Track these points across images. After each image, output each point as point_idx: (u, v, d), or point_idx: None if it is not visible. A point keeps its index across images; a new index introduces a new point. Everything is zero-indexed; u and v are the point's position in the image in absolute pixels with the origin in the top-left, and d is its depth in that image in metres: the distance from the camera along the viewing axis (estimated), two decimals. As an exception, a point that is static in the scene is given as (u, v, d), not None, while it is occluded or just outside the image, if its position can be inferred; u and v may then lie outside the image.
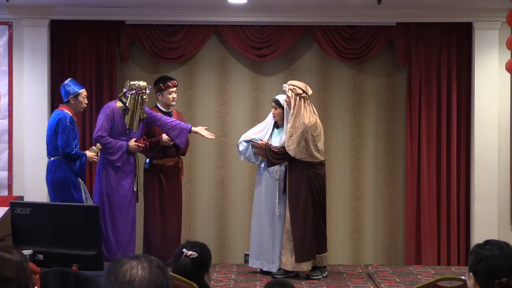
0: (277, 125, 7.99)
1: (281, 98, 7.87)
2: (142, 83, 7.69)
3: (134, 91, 7.63)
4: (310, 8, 8.53)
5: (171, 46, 8.73)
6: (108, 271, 2.16)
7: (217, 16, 8.61)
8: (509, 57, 8.22)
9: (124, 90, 7.70)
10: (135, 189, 7.86)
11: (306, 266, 7.77)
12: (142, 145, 7.83)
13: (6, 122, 8.47)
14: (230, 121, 8.86)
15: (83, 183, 7.40)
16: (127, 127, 7.71)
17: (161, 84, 8.11)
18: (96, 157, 7.56)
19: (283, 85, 7.86)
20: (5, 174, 8.46)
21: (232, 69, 8.91)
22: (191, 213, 8.86)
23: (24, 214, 5.11)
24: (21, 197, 8.06)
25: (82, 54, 8.64)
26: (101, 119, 7.67)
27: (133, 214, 7.84)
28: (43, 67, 8.41)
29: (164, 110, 8.18)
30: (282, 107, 7.85)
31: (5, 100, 8.47)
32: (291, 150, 7.67)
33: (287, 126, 7.73)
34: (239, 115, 8.89)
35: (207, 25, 8.71)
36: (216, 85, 8.90)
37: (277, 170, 7.85)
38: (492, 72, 8.50)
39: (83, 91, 7.45)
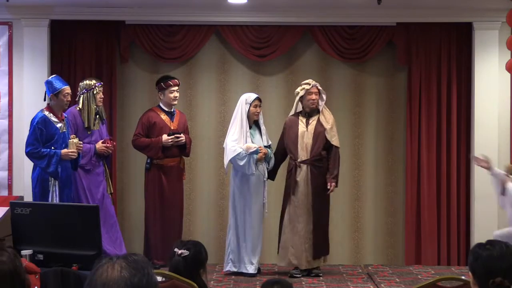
0: (249, 124, 7.94)
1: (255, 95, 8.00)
2: (90, 81, 7.73)
3: (84, 91, 7.67)
4: (310, 8, 8.53)
5: (171, 46, 8.73)
6: (88, 277, 2.19)
7: (217, 16, 8.61)
8: (509, 57, 8.22)
9: (78, 94, 7.71)
10: (108, 192, 7.83)
11: (318, 263, 7.90)
12: (110, 145, 7.81)
13: (6, 122, 8.47)
14: (230, 121, 8.84)
15: (56, 184, 7.21)
16: (85, 126, 7.68)
17: (162, 83, 8.12)
18: (73, 154, 7.24)
19: (309, 82, 7.87)
20: (5, 174, 8.46)
21: (232, 69, 8.91)
22: (191, 213, 8.86)
23: (24, 214, 5.11)
24: (21, 197, 8.06)
25: (82, 54, 8.64)
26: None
27: (112, 218, 7.79)
28: (43, 67, 8.41)
29: (166, 109, 8.19)
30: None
31: (5, 100, 8.47)
32: (338, 140, 7.90)
33: (328, 124, 7.81)
34: (239, 115, 8.89)
35: (207, 25, 8.71)
36: (216, 85, 8.90)
37: (264, 169, 7.88)
38: (492, 72, 8.50)
39: (64, 89, 7.32)
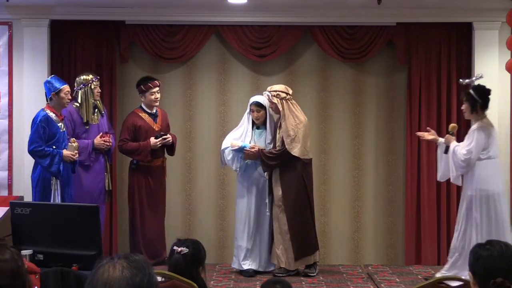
0: (257, 126, 7.98)
1: (261, 99, 7.92)
2: (87, 76, 7.77)
3: (82, 85, 7.70)
4: (310, 8, 8.53)
5: (171, 46, 8.73)
6: (89, 277, 2.18)
7: (217, 16, 8.61)
8: (509, 57, 8.22)
9: (75, 89, 7.73)
10: (106, 188, 7.86)
11: (303, 263, 7.83)
12: (108, 138, 7.81)
13: (6, 122, 8.47)
14: (230, 121, 8.86)
15: (58, 183, 7.24)
16: (84, 121, 7.70)
17: (142, 86, 8.12)
18: (73, 156, 7.32)
19: (264, 93, 7.87)
20: (5, 174, 8.46)
21: (232, 69, 8.91)
22: (191, 213, 8.86)
23: (24, 214, 5.11)
24: (21, 197, 8.06)
25: (82, 54, 8.64)
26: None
27: (103, 214, 7.81)
28: (43, 67, 8.41)
29: (148, 111, 8.19)
30: (264, 108, 7.90)
31: (5, 100, 8.47)
32: (297, 151, 7.69)
33: (284, 133, 7.70)
34: (239, 115, 8.87)
35: (207, 25, 8.71)
36: (216, 85, 8.90)
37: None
38: (492, 72, 8.49)
39: (64, 87, 7.37)
